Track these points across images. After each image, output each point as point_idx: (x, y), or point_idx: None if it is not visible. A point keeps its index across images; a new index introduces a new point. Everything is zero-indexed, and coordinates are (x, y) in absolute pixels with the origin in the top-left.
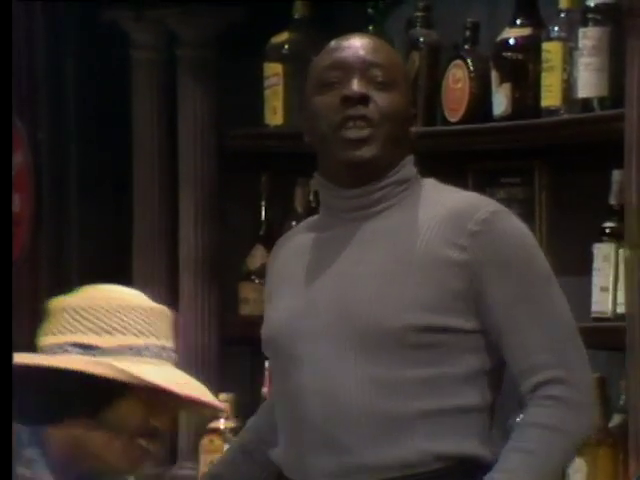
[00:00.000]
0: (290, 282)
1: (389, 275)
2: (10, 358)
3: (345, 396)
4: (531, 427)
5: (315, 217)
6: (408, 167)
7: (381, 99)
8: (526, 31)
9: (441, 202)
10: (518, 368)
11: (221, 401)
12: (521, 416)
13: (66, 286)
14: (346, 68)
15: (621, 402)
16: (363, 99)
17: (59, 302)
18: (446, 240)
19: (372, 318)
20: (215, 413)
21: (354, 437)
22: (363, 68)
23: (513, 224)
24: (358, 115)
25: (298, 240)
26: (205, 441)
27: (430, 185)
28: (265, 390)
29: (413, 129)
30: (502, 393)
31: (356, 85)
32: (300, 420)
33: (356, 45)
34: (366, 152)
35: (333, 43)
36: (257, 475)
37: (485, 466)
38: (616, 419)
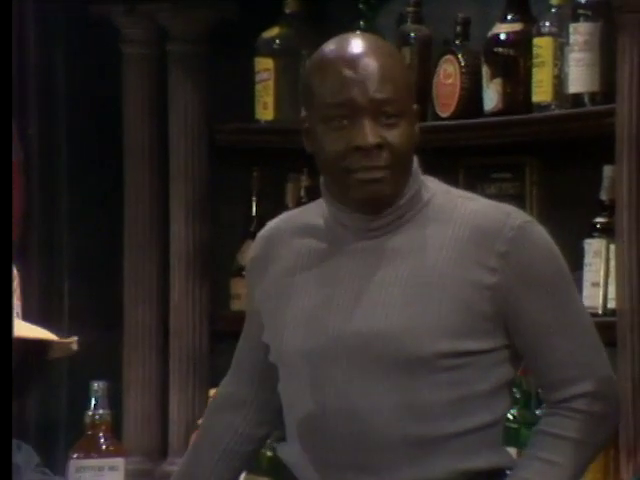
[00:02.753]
0: (304, 293)
1: (417, 299)
2: (10, 354)
3: (374, 421)
4: (554, 437)
5: (309, 213)
6: (415, 179)
7: (393, 138)
8: (517, 26)
9: (461, 215)
10: (547, 380)
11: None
12: (543, 423)
13: (56, 282)
14: (354, 108)
15: None
16: (377, 147)
17: None
18: (474, 261)
19: (402, 345)
20: (67, 351)
21: (383, 460)
22: (373, 107)
23: (538, 237)
24: (371, 166)
25: (302, 241)
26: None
27: (438, 190)
28: None
29: (417, 130)
30: None
31: (368, 134)
32: (324, 439)
33: (361, 73)
34: (380, 191)
35: (332, 57)
36: (239, 447)
37: (504, 473)
38: None
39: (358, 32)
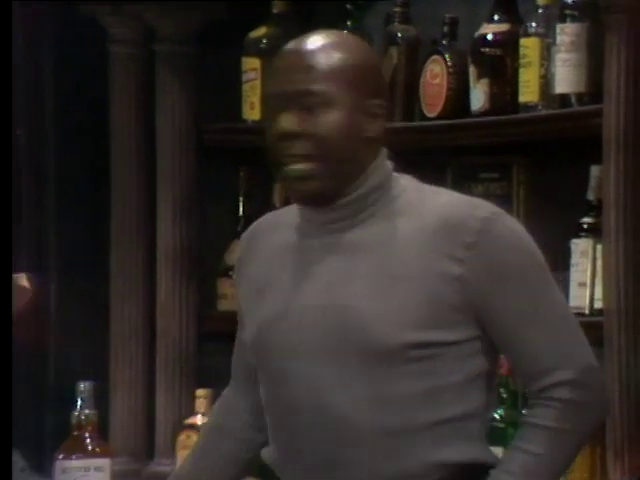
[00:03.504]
0: (276, 289)
1: (385, 291)
2: (10, 359)
3: (344, 414)
4: (537, 428)
5: (290, 211)
6: (377, 173)
7: (319, 128)
8: (504, 27)
9: (428, 209)
10: (526, 371)
11: (199, 396)
12: (527, 415)
13: (43, 281)
14: (281, 98)
15: None
16: (296, 137)
17: None
18: (441, 253)
19: (370, 337)
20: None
21: (355, 454)
22: (296, 97)
23: (506, 228)
24: (295, 154)
25: (283, 238)
26: (182, 437)
27: (410, 187)
28: None
29: (377, 125)
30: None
31: (287, 122)
32: (296, 435)
33: (292, 66)
34: (312, 187)
35: (279, 55)
36: (237, 454)
37: (486, 468)
38: None
39: (333, 30)
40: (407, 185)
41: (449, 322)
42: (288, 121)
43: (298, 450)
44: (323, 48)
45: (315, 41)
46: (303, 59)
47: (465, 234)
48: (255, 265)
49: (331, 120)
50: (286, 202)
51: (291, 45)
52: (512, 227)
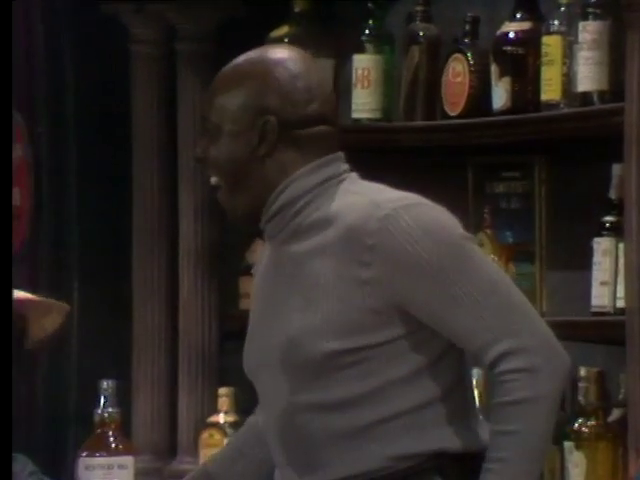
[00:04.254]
0: (253, 303)
1: (311, 302)
2: (10, 351)
3: (298, 422)
4: (503, 406)
5: None
6: (291, 187)
7: (213, 152)
8: (526, 25)
9: (335, 216)
10: (471, 352)
11: (221, 395)
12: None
13: (65, 280)
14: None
15: (620, 396)
16: (200, 162)
17: None
18: (350, 259)
19: (298, 349)
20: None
21: (314, 458)
22: (202, 125)
23: (407, 222)
24: (209, 175)
25: (262, 254)
26: (205, 435)
27: (341, 191)
28: None
29: (268, 141)
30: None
31: (198, 146)
32: (273, 446)
33: (209, 91)
34: (230, 212)
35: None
36: (253, 474)
37: (456, 457)
38: (615, 413)
39: (270, 47)
40: (340, 190)
41: (374, 325)
42: (198, 146)
43: (276, 457)
44: (228, 72)
45: (231, 64)
46: (214, 84)
47: (366, 237)
48: (255, 280)
49: (220, 146)
50: None
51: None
52: (415, 218)
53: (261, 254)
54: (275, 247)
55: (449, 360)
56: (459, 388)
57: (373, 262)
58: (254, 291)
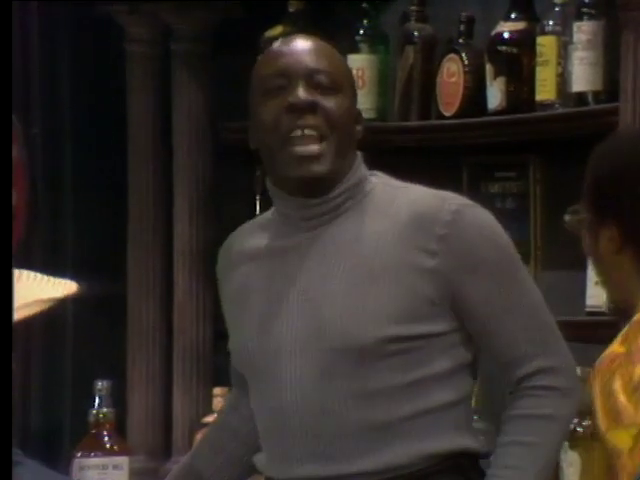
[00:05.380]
0: (255, 294)
1: (359, 287)
2: (10, 353)
3: (329, 411)
4: (526, 419)
5: (266, 217)
6: (360, 169)
7: (328, 105)
8: (520, 25)
9: (400, 204)
10: (503, 361)
11: (216, 395)
12: (511, 408)
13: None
14: (290, 75)
15: None
16: (310, 107)
17: None
18: (414, 246)
19: (346, 334)
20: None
21: (342, 448)
22: (307, 74)
23: (477, 219)
24: (305, 125)
25: (255, 243)
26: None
27: (380, 183)
28: None
29: (360, 129)
30: (487, 380)
31: (301, 92)
32: (282, 437)
33: (298, 50)
34: (318, 168)
35: (274, 47)
36: (231, 469)
37: (475, 457)
38: None
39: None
40: (377, 182)
41: (427, 315)
42: (303, 93)
43: (286, 449)
44: (321, 44)
45: (313, 39)
46: (311, 46)
47: (437, 226)
48: (235, 274)
49: (340, 101)
50: None
51: (287, 39)
52: (483, 218)
53: (260, 236)
54: (309, 228)
55: (474, 365)
56: (471, 394)
57: (440, 252)
58: (257, 274)
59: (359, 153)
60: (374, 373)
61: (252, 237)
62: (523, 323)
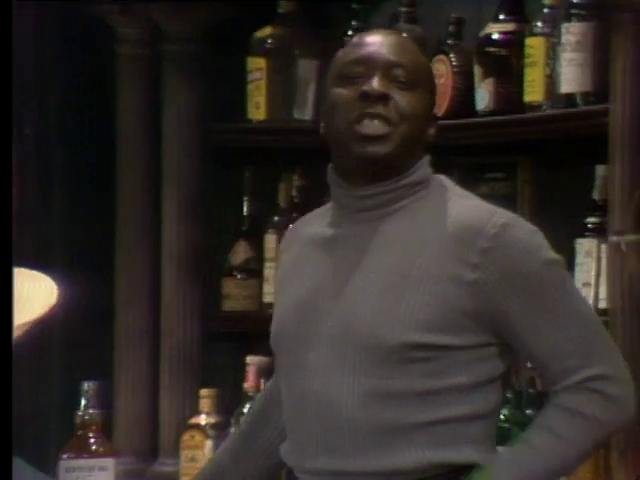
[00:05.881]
0: (299, 278)
1: (395, 289)
2: (10, 356)
3: (344, 406)
4: (564, 411)
5: (328, 207)
6: (423, 169)
7: (402, 99)
8: (509, 26)
9: (450, 212)
10: (549, 374)
11: (203, 396)
12: (555, 398)
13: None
14: (369, 64)
15: None
16: (382, 98)
17: None
18: (456, 257)
19: (373, 333)
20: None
21: (352, 446)
22: (386, 66)
23: (522, 234)
24: (375, 113)
25: (313, 230)
26: (186, 437)
27: (441, 188)
28: (247, 385)
29: (433, 130)
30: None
31: (376, 83)
32: (300, 425)
33: (381, 42)
34: (381, 149)
35: (358, 37)
36: (273, 441)
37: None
38: None
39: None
40: (439, 184)
41: (458, 326)
42: (378, 83)
43: (303, 437)
44: (408, 43)
45: (397, 34)
46: (394, 40)
47: (481, 239)
48: (289, 256)
49: (414, 97)
50: (291, 202)
51: (372, 31)
52: (528, 233)
53: (318, 224)
54: (361, 220)
55: (502, 380)
56: (498, 409)
57: (481, 265)
58: (304, 260)
59: (427, 156)
60: (391, 376)
61: (311, 224)
62: (573, 333)
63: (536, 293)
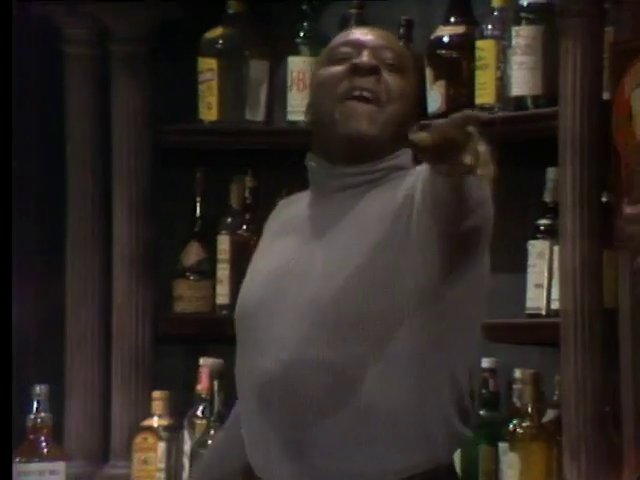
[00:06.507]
0: (268, 256)
1: (358, 266)
2: (10, 358)
3: (305, 383)
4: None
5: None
6: (406, 156)
7: (391, 80)
8: (460, 29)
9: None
10: None
11: (155, 399)
12: None
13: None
14: (358, 45)
15: (555, 397)
16: (374, 70)
17: None
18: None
19: (337, 308)
20: None
21: (307, 418)
22: (375, 47)
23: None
24: (366, 87)
25: (290, 211)
26: (138, 439)
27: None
28: (199, 387)
29: (413, 124)
30: None
31: (367, 56)
32: (262, 418)
33: (368, 30)
34: (367, 128)
35: (352, 29)
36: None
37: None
38: (550, 414)
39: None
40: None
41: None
42: (368, 56)
43: (261, 433)
44: (393, 36)
45: (381, 30)
46: (381, 31)
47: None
48: (265, 235)
49: (402, 80)
50: (243, 203)
51: (357, 28)
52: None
53: (298, 205)
54: (332, 202)
55: None
56: None
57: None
58: (283, 239)
59: (409, 149)
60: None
61: (291, 205)
62: None
63: None
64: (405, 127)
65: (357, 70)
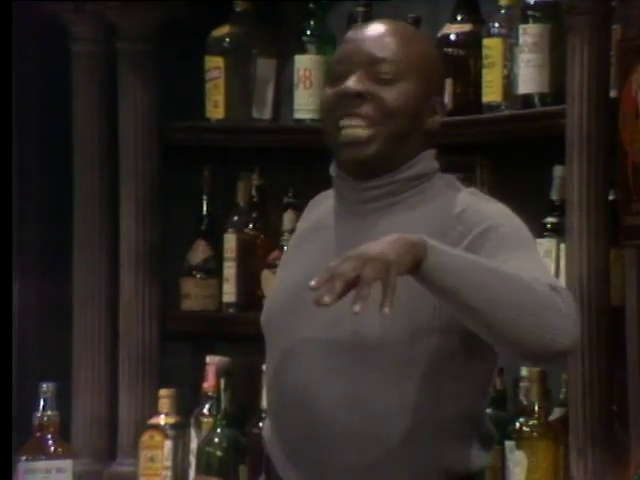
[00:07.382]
0: (293, 266)
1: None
2: (10, 359)
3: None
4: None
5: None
6: (424, 162)
7: (386, 95)
8: (466, 27)
9: (442, 204)
10: None
11: (162, 397)
12: None
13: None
14: (350, 63)
15: (561, 396)
16: (359, 96)
17: None
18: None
19: (356, 331)
20: None
21: (325, 437)
22: (368, 63)
23: (494, 204)
24: (355, 113)
25: (318, 213)
26: (145, 437)
27: (443, 183)
28: (206, 385)
29: (435, 119)
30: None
31: (353, 81)
32: (282, 427)
33: (366, 37)
34: (365, 151)
35: (351, 32)
36: None
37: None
38: (557, 413)
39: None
40: (443, 180)
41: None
42: (354, 81)
43: (281, 443)
44: (400, 32)
45: (392, 24)
46: (380, 32)
47: (454, 208)
48: (296, 234)
49: (400, 91)
50: (250, 201)
51: (366, 23)
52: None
53: (324, 208)
54: (357, 214)
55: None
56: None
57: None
58: (300, 245)
59: (432, 151)
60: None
61: (322, 204)
62: (532, 266)
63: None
64: (415, 133)
65: (344, 97)
